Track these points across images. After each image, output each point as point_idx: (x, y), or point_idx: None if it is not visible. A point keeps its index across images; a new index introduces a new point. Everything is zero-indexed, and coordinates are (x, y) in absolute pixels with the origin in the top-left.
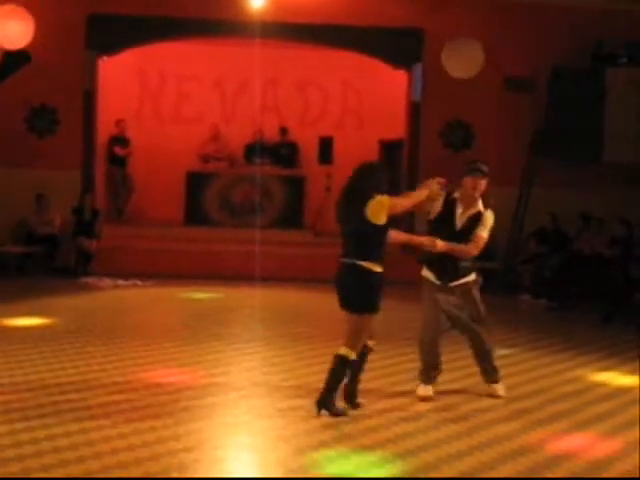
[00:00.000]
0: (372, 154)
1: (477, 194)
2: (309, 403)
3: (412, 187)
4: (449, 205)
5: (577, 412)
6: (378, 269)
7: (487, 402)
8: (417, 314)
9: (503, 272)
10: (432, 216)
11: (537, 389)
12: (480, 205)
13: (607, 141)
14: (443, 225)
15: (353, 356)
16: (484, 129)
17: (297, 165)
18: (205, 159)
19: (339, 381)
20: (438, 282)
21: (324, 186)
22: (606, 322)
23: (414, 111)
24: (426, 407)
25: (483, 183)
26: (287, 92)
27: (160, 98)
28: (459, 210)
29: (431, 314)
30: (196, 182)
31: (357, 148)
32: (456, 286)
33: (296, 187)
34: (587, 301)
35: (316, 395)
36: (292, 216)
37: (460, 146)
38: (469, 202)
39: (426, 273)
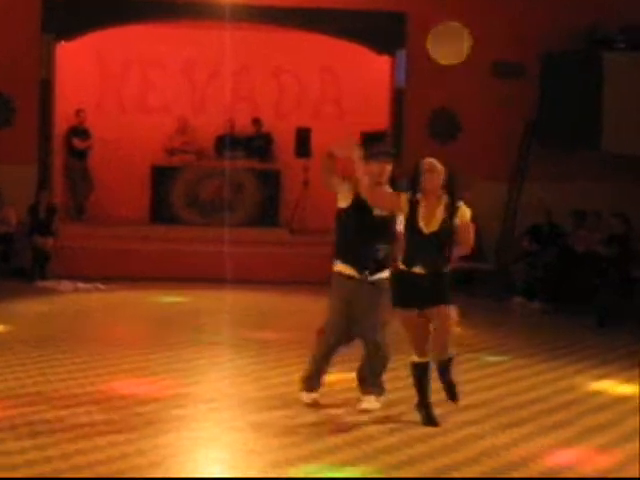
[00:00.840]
0: None
1: (384, 180)
2: (284, 415)
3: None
4: (357, 199)
5: (572, 424)
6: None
7: (474, 414)
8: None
9: (494, 273)
10: (342, 206)
11: (529, 399)
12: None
13: (605, 131)
14: (357, 220)
15: (414, 358)
16: (472, 118)
17: (272, 158)
18: (172, 152)
19: (416, 386)
20: (357, 275)
21: (301, 181)
22: (603, 325)
23: (397, 99)
24: (409, 418)
25: (390, 168)
26: (261, 80)
27: (123, 86)
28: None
29: (341, 315)
30: (162, 177)
31: (337, 139)
32: (373, 282)
33: (271, 182)
34: (583, 303)
35: (293, 406)
36: (266, 213)
37: (447, 136)
38: None
39: (341, 267)
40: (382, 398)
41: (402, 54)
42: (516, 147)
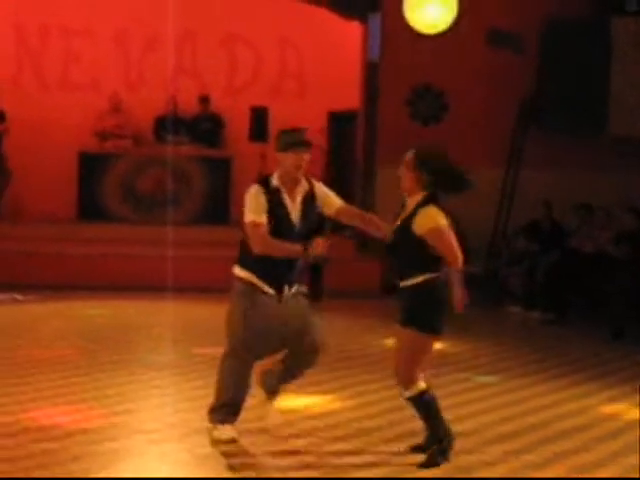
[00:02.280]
0: (318, 129)
1: (301, 174)
2: (237, 448)
3: (368, 169)
4: (274, 197)
5: (579, 453)
6: None
7: (465, 443)
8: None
9: (485, 278)
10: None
11: (530, 425)
12: (304, 180)
13: (614, 110)
14: (277, 226)
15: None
16: (460, 96)
17: (222, 143)
18: (103, 136)
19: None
20: (272, 291)
21: (257, 170)
22: (617, 338)
23: (371, 74)
24: (390, 450)
25: (308, 158)
26: (209, 50)
27: (43, 59)
28: (287, 200)
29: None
30: (92, 166)
31: (299, 121)
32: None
33: (221, 171)
34: (592, 312)
35: (246, 436)
36: (216, 209)
37: (430, 118)
38: (293, 185)
39: (249, 276)
40: None
41: (376, 20)
42: (511, 130)
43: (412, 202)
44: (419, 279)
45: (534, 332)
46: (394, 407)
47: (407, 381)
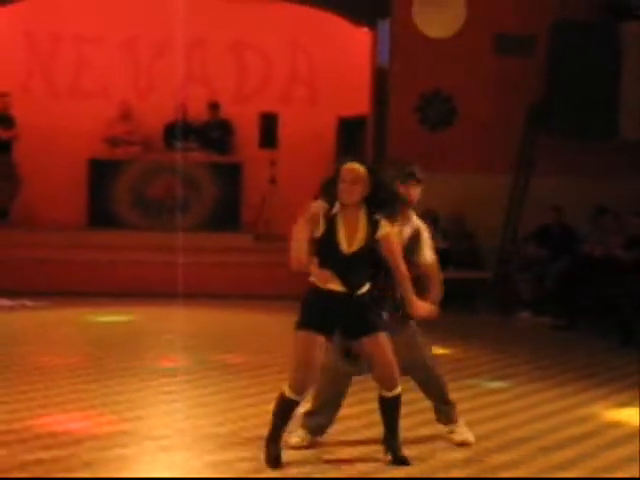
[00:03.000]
0: (328, 134)
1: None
2: (248, 454)
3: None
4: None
5: (586, 460)
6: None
7: (469, 451)
8: None
9: (495, 283)
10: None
11: (537, 431)
12: (415, 219)
13: (624, 114)
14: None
15: (285, 389)
16: (470, 102)
17: (232, 150)
18: (113, 143)
19: (275, 420)
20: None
21: (267, 176)
22: (626, 344)
23: (380, 80)
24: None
25: (418, 192)
26: (218, 56)
27: (53, 66)
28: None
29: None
30: (102, 172)
31: (309, 127)
32: None
33: (231, 178)
34: (602, 318)
35: (257, 444)
36: (226, 215)
37: (439, 123)
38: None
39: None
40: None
41: (385, 26)
42: (520, 134)
43: (359, 212)
44: (368, 285)
45: (543, 338)
46: (403, 414)
47: (397, 381)
